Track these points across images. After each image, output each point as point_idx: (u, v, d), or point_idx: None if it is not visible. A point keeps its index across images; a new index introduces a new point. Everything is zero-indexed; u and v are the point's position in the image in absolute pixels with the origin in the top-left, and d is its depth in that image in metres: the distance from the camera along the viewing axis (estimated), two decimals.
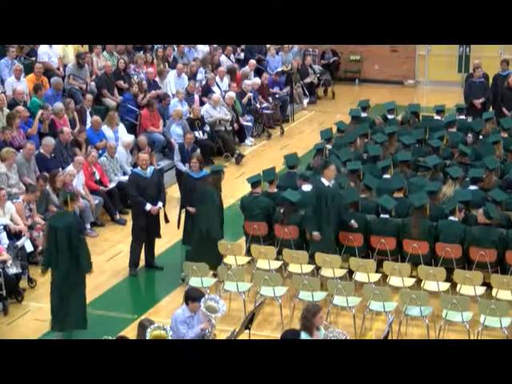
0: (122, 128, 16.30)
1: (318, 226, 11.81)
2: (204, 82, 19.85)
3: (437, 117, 16.85)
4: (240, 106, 19.49)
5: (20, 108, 14.88)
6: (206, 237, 12.01)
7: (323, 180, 12.00)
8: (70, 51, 17.93)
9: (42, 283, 12.29)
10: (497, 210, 11.79)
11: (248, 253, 12.29)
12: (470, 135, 15.29)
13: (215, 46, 21.69)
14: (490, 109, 18.58)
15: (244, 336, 9.26)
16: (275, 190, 13.00)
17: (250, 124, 19.63)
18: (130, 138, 15.85)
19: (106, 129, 15.98)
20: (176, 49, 20.64)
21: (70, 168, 14.05)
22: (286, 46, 23.54)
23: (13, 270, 11.60)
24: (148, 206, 12.45)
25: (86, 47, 18.18)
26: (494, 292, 10.98)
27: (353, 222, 11.93)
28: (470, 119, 17.29)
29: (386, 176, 13.36)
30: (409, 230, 11.88)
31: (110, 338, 8.13)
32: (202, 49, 21.43)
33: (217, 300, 9.11)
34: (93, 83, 17.59)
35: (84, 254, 10.62)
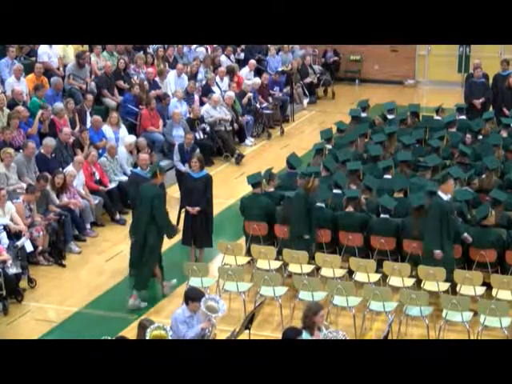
0: (123, 129, 16.28)
1: (440, 243, 11.36)
2: (204, 82, 19.86)
3: (437, 117, 16.86)
4: (240, 106, 19.49)
5: (20, 108, 14.87)
6: (291, 237, 12.08)
7: (441, 194, 11.64)
8: (70, 51, 17.94)
9: (41, 283, 12.30)
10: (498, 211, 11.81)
11: (248, 253, 12.29)
12: (468, 135, 15.30)
13: (215, 45, 21.70)
14: (490, 109, 18.59)
15: (244, 336, 9.26)
16: (272, 189, 12.97)
17: (249, 122, 19.62)
18: (132, 138, 15.84)
19: (106, 129, 15.97)
20: (176, 49, 20.65)
21: (71, 169, 14.04)
22: (286, 45, 23.55)
23: (13, 270, 11.60)
24: None
25: (86, 47, 18.18)
26: (494, 292, 10.98)
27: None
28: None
29: (387, 176, 13.36)
30: (409, 230, 11.87)
31: (109, 338, 8.13)
32: (201, 49, 21.41)
33: (217, 300, 9.10)
34: (93, 83, 17.59)
35: (164, 223, 11.74)
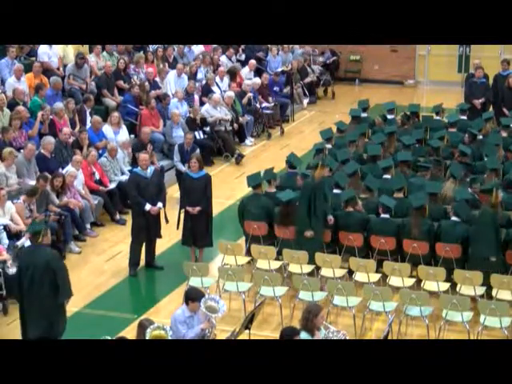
0: (124, 130, 16.26)
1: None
2: (204, 82, 19.86)
3: (437, 117, 16.86)
4: (240, 106, 19.49)
5: (20, 108, 14.86)
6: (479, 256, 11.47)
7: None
8: (70, 51, 17.94)
9: None
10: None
11: (248, 253, 12.28)
12: (466, 135, 15.31)
13: (215, 45, 21.69)
14: (490, 108, 18.59)
15: (244, 336, 9.26)
16: (273, 189, 12.97)
17: (249, 122, 19.62)
18: (125, 137, 15.82)
19: (107, 129, 15.96)
20: (176, 49, 20.65)
21: (71, 169, 14.02)
22: (286, 45, 23.55)
23: (13, 270, 11.59)
24: (147, 207, 12.44)
25: (86, 47, 18.17)
26: (493, 292, 10.98)
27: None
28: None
29: (387, 176, 13.37)
30: (409, 230, 11.86)
31: (109, 338, 8.13)
32: (200, 49, 21.42)
33: (217, 300, 9.09)
34: (93, 83, 17.59)
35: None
